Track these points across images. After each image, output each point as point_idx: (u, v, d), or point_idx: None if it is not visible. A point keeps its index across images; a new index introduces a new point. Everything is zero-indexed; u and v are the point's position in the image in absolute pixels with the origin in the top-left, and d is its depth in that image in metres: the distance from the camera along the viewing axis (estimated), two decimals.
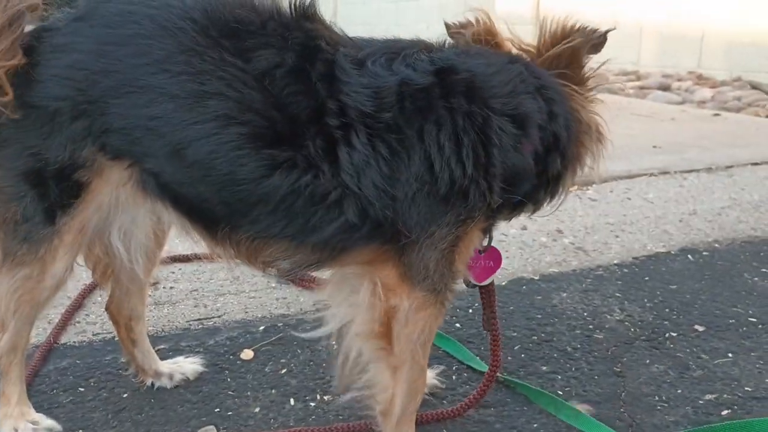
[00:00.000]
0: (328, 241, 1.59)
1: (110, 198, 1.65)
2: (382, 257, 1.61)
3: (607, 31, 1.72)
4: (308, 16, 1.62)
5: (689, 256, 3.31)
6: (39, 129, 1.57)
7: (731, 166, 4.93)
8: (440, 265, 1.60)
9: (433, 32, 1.78)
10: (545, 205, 1.83)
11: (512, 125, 1.59)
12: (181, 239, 2.93)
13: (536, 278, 3.02)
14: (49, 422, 1.88)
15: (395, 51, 1.61)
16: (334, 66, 1.54)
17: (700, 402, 2.10)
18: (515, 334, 2.51)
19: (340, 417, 2.00)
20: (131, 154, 1.58)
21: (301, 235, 1.59)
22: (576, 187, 4.28)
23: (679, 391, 2.15)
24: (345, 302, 1.73)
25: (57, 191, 1.60)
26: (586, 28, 1.72)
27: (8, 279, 1.69)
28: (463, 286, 1.92)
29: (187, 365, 2.20)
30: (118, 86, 1.54)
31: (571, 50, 1.72)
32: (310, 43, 1.57)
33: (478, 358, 2.29)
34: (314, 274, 2.70)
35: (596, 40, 1.72)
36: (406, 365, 1.67)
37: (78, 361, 2.27)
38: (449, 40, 1.79)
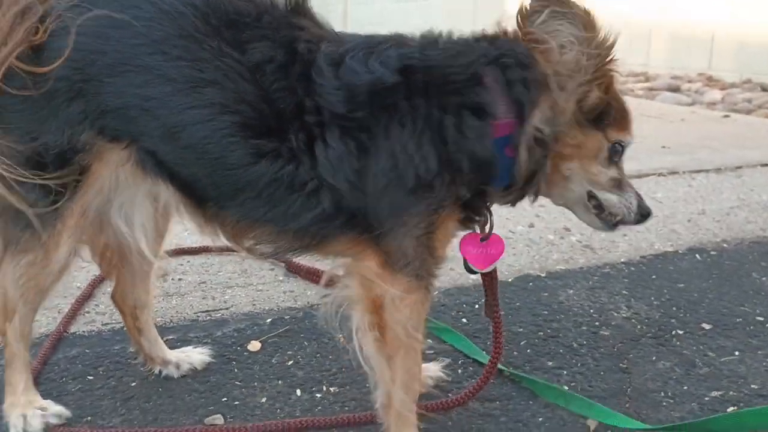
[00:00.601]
0: (308, 228, 1.66)
1: (110, 179, 1.69)
2: (361, 245, 1.67)
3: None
4: (299, 11, 1.69)
5: (697, 255, 3.30)
6: (38, 113, 1.59)
7: (740, 167, 4.91)
8: (419, 251, 1.65)
9: None
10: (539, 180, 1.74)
11: (472, 117, 1.62)
12: (190, 232, 2.97)
13: (543, 275, 3.02)
14: (58, 408, 1.89)
15: (372, 46, 1.66)
16: (311, 66, 1.61)
17: (706, 398, 2.09)
18: (521, 329, 2.51)
19: (346, 408, 2.01)
20: (128, 133, 1.63)
21: (283, 221, 1.66)
22: None
23: (685, 387, 2.15)
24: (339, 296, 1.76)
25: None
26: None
27: (12, 266, 1.71)
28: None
29: (195, 355, 2.22)
30: (114, 65, 1.58)
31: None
32: (294, 41, 1.63)
33: (483, 352, 2.30)
34: (322, 268, 2.73)
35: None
36: (399, 353, 1.70)
37: (87, 350, 2.29)
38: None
